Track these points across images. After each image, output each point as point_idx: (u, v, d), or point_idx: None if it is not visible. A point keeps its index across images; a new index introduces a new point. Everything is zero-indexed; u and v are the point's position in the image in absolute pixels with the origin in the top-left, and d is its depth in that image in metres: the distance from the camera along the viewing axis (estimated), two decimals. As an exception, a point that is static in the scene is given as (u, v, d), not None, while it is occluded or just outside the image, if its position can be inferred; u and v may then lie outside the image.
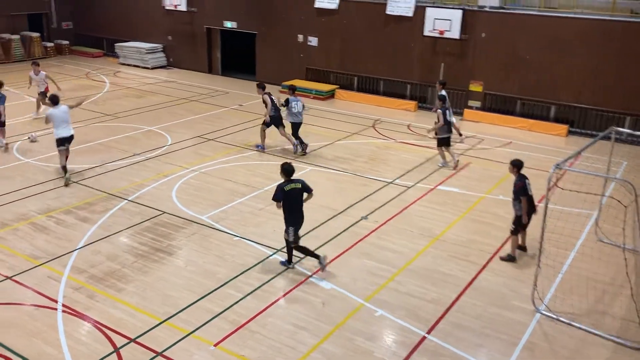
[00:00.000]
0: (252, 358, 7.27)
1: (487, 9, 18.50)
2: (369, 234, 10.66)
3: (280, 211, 9.14)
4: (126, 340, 7.51)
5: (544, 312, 8.35)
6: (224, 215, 11.29)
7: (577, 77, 17.37)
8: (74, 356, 7.21)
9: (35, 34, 27.25)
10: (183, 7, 24.75)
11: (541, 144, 16.65)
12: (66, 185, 12.45)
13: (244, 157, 14.61)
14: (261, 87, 14.93)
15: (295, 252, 9.37)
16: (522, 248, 10.07)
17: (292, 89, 15.01)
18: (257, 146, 15.17)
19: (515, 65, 18.26)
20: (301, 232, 9.16)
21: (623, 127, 16.36)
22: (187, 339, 7.58)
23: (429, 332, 7.89)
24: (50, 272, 9.10)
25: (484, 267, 9.66)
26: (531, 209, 9.54)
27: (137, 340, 7.53)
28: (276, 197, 8.94)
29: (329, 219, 11.20)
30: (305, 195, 9.11)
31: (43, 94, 17.18)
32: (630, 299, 8.39)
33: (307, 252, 9.29)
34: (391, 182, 13.23)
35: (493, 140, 16.82)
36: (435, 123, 14.12)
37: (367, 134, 17.08)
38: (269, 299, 8.52)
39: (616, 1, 16.94)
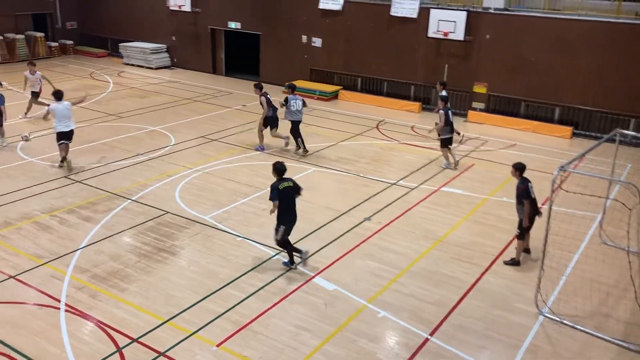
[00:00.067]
0: (254, 359, 7.26)
1: (491, 11, 18.47)
2: (372, 235, 10.64)
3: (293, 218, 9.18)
4: (129, 340, 7.52)
5: (547, 315, 8.32)
6: (227, 215, 11.29)
7: (581, 79, 17.33)
8: (76, 355, 7.21)
9: (40, 34, 27.31)
10: (187, 8, 24.79)
11: (545, 145, 16.61)
12: (68, 169, 13.04)
13: (247, 157, 14.61)
14: (259, 87, 14.96)
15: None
16: (526, 250, 10.03)
17: (292, 88, 15.02)
18: (257, 148, 15.16)
19: (520, 67, 18.22)
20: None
21: (628, 129, 16.32)
22: (189, 339, 7.58)
23: (431, 334, 7.87)
24: (53, 271, 9.12)
25: (487, 269, 9.64)
26: (534, 212, 9.51)
27: (140, 340, 7.53)
28: (273, 197, 8.93)
29: (332, 220, 11.19)
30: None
31: (36, 95, 17.17)
32: (634, 302, 8.34)
33: (289, 247, 9.32)
34: (394, 184, 13.21)
35: (497, 142, 16.79)
36: (436, 124, 14.14)
37: (371, 135, 17.06)
38: (272, 300, 8.52)
39: (621, 3, 16.90)
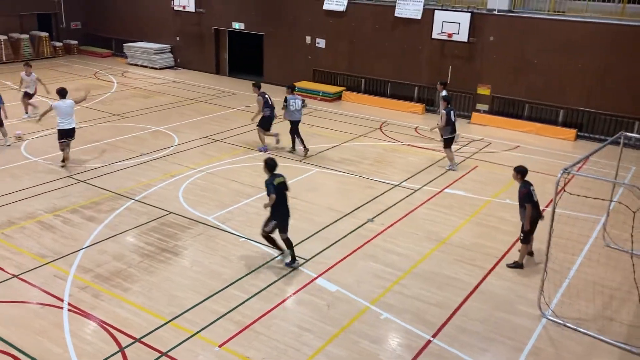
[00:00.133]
0: (256, 359, 7.26)
1: (495, 13, 18.45)
2: (374, 237, 10.63)
3: (287, 212, 9.16)
4: (131, 340, 7.53)
5: (550, 317, 8.30)
6: (230, 216, 11.30)
7: (586, 81, 17.29)
8: (79, 355, 7.22)
9: (44, 34, 27.40)
10: (191, 8, 24.84)
11: (549, 148, 16.58)
12: (63, 161, 13.36)
13: (250, 158, 14.61)
14: (257, 86, 15.01)
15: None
16: (530, 253, 10.00)
17: (291, 88, 15.04)
18: (260, 148, 15.16)
19: (524, 68, 18.20)
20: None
21: (632, 132, 16.29)
22: (192, 340, 7.59)
23: (434, 336, 7.86)
24: (57, 270, 9.13)
25: (490, 271, 9.62)
26: (537, 215, 9.48)
27: (142, 340, 7.54)
28: (270, 191, 9.01)
29: (334, 221, 11.19)
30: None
31: (28, 96, 17.11)
32: (638, 305, 8.33)
33: (273, 243, 9.48)
34: (398, 185, 13.20)
35: (500, 143, 16.77)
36: (437, 123, 14.16)
37: (374, 136, 17.06)
38: (275, 301, 8.52)
39: (626, 6, 16.86)
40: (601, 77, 17.04)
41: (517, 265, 9.72)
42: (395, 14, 19.99)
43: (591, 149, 10.15)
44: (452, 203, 12.30)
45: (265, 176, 9.29)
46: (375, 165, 14.50)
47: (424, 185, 13.21)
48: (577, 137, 17.56)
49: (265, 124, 14.98)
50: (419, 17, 19.58)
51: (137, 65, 26.42)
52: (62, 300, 8.34)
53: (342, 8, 21.18)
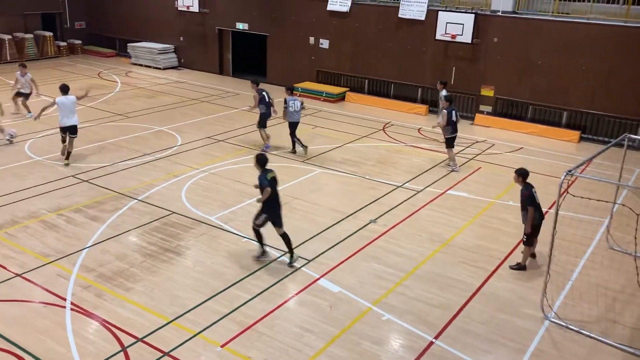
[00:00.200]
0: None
1: (499, 14, 18.42)
2: (377, 238, 10.63)
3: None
4: (133, 340, 7.53)
5: (553, 320, 8.28)
6: (233, 216, 11.31)
7: (589, 83, 17.25)
8: (81, 354, 7.23)
9: (49, 34, 27.47)
10: (195, 8, 24.87)
11: (552, 149, 16.54)
12: (64, 156, 13.58)
13: (253, 158, 14.57)
14: (255, 83, 15.04)
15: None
16: (532, 255, 9.98)
17: (290, 89, 15.05)
18: (264, 148, 15.16)
19: (527, 70, 18.17)
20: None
21: (636, 133, 16.24)
22: (194, 340, 7.59)
23: (436, 338, 7.85)
24: (60, 270, 9.15)
25: (493, 272, 9.60)
26: (539, 217, 9.45)
27: (145, 339, 7.55)
28: (264, 184, 9.07)
29: (337, 222, 11.18)
30: None
31: (25, 96, 17.07)
32: (641, 307, 8.31)
33: (260, 239, 9.58)
34: (400, 186, 13.19)
35: (504, 145, 16.74)
36: (438, 123, 14.21)
37: (377, 137, 17.05)
38: (277, 301, 8.52)
39: (630, 7, 16.82)
40: (605, 78, 17.00)
41: (519, 266, 9.70)
42: (399, 15, 19.98)
43: (595, 150, 10.13)
44: (455, 204, 12.29)
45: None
46: (378, 166, 14.49)
47: (427, 187, 13.19)
48: (581, 139, 17.52)
49: (260, 121, 15.01)
50: (422, 18, 19.58)
51: (140, 65, 26.46)
52: (64, 300, 8.36)
53: (345, 9, 21.18)
